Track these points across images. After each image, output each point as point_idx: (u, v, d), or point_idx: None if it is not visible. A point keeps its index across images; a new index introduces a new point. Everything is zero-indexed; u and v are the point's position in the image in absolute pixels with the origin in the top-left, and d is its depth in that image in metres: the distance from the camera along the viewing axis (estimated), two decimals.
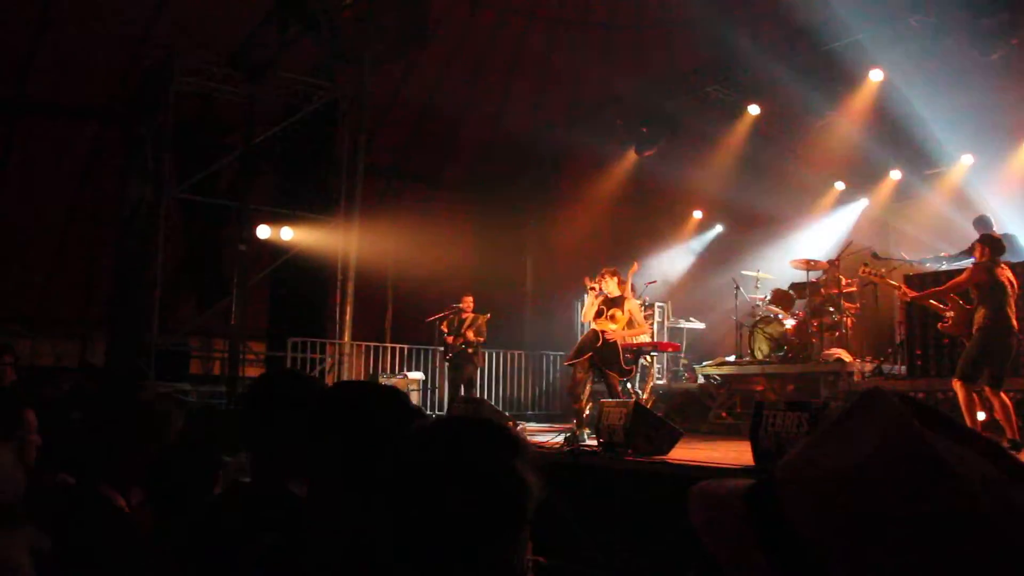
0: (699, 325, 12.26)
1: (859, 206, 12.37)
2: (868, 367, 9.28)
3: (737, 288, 11.03)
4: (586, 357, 7.70)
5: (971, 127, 10.18)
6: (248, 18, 10.84)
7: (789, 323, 10.08)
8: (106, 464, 2.39)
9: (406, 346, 12.37)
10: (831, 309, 9.74)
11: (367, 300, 12.69)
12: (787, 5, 9.88)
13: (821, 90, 10.58)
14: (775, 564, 0.66)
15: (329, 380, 10.33)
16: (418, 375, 11.55)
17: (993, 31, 8.64)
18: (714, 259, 13.25)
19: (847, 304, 9.81)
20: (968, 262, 7.41)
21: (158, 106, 11.03)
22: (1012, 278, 6.60)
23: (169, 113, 10.85)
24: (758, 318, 10.53)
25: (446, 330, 10.37)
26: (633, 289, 8.73)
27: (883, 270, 8.51)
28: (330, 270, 11.82)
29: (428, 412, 10.12)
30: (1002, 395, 6.33)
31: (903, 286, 7.80)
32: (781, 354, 9.95)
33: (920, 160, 11.17)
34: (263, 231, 11.40)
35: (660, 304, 11.82)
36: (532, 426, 10.72)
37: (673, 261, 13.55)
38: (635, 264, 8.71)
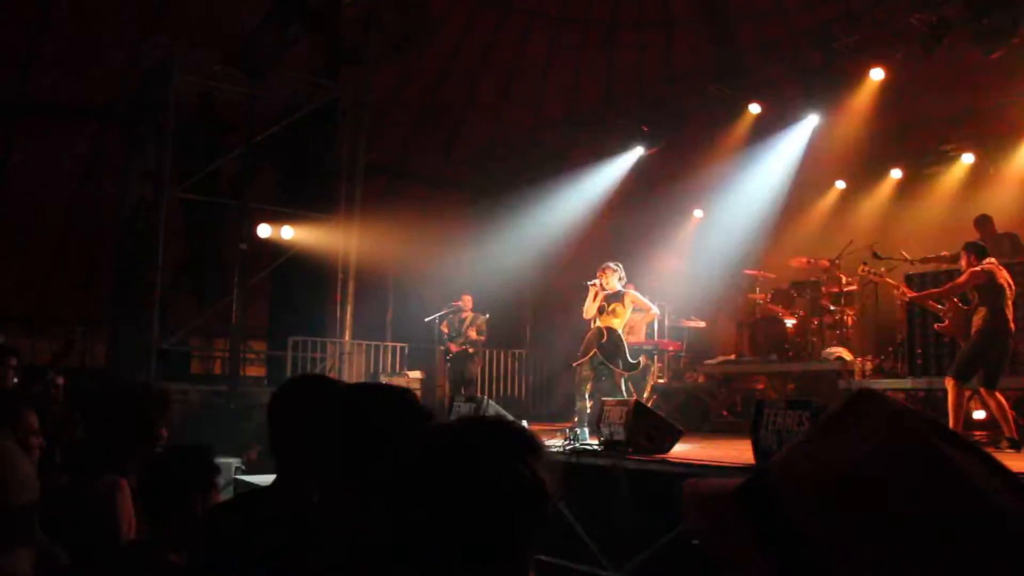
0: (699, 324, 12.25)
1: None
2: (869, 366, 9.28)
3: (738, 287, 11.01)
4: (591, 354, 7.70)
5: (971, 127, 10.16)
6: (248, 18, 10.85)
7: (790, 322, 10.09)
8: (106, 462, 2.39)
9: (406, 345, 12.37)
10: (832, 308, 9.74)
11: (367, 299, 12.69)
12: (788, 5, 9.88)
13: (821, 90, 10.56)
14: (774, 561, 0.66)
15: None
16: (418, 374, 11.54)
17: (993, 31, 8.63)
18: (714, 258, 13.23)
19: (847, 303, 9.81)
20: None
21: (158, 106, 10.99)
22: (1010, 280, 6.62)
23: (169, 113, 10.82)
24: (759, 317, 10.52)
25: (446, 330, 10.36)
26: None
27: (883, 269, 8.52)
28: (331, 269, 11.82)
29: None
30: (997, 395, 6.39)
31: (902, 286, 7.80)
32: (782, 353, 9.96)
33: (920, 160, 11.15)
34: (264, 230, 11.39)
35: (660, 304, 11.80)
36: (532, 426, 10.71)
37: (673, 260, 13.53)
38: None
